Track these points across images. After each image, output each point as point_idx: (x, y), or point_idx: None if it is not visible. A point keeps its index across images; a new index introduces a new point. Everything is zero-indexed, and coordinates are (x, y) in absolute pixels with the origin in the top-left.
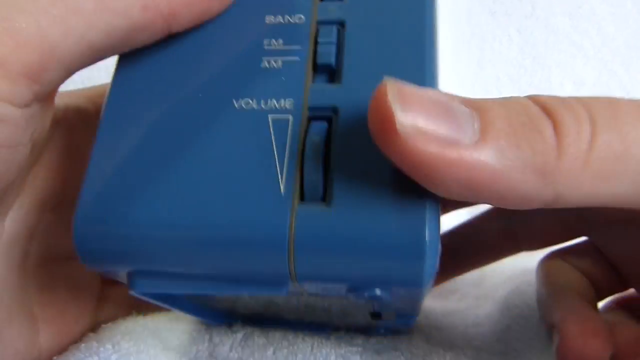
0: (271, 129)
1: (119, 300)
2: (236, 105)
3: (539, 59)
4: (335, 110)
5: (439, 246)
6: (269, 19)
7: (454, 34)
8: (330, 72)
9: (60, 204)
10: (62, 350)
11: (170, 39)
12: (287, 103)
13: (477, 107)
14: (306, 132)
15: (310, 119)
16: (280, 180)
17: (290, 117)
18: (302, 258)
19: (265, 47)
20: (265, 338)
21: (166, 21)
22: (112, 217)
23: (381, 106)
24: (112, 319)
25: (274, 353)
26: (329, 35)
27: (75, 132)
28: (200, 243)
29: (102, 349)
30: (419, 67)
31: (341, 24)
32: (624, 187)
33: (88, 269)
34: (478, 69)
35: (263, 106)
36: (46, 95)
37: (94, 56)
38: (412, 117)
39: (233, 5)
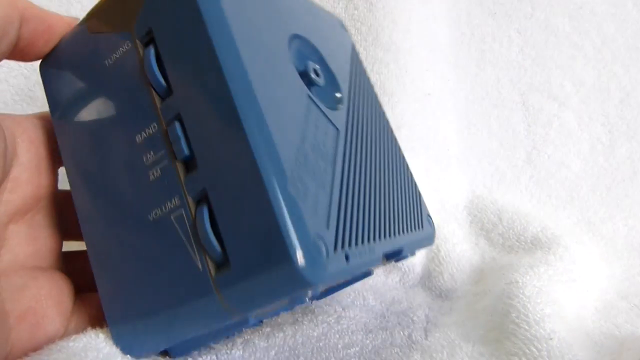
0: (176, 226)
1: (89, 310)
2: (150, 219)
3: (538, 59)
4: (205, 191)
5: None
6: (138, 137)
7: (454, 34)
8: (191, 159)
9: (26, 214)
10: (36, 347)
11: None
12: (176, 200)
13: None
14: (195, 218)
15: (197, 204)
16: (197, 262)
17: (183, 211)
18: (229, 300)
19: (145, 163)
20: (266, 341)
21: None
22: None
23: None
24: (82, 329)
25: (275, 354)
26: (176, 134)
27: (37, 144)
28: (175, 319)
29: (103, 344)
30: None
31: (180, 117)
32: None
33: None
34: (478, 69)
35: (165, 210)
36: None
37: None
38: None
39: (109, 134)
